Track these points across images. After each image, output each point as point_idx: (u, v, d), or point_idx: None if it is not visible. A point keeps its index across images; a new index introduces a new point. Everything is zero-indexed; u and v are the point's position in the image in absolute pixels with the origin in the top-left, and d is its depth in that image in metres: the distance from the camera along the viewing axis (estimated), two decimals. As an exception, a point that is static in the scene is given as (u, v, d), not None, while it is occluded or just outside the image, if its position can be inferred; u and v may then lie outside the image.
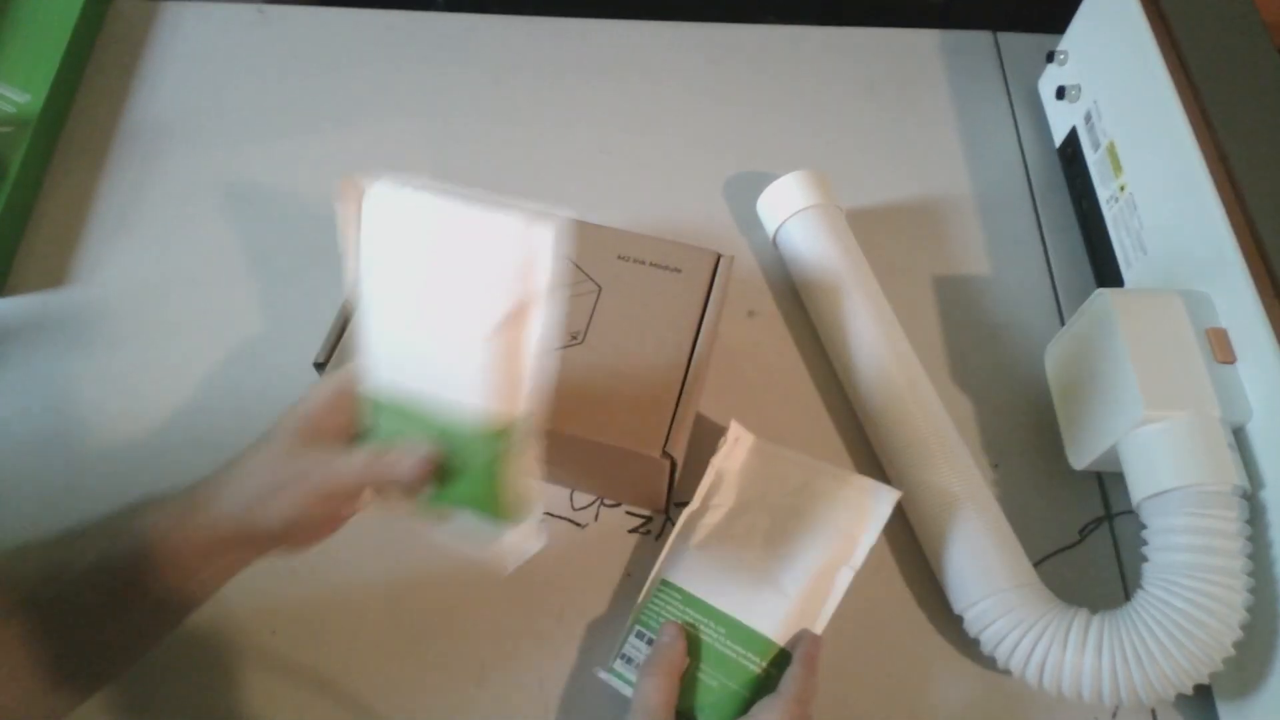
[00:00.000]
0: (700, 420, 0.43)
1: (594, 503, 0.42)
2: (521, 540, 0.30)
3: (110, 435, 0.44)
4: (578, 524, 0.42)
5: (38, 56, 0.53)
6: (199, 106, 0.55)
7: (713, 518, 0.38)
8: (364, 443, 0.30)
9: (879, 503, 0.37)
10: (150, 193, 0.52)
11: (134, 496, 0.30)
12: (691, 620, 0.35)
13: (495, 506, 0.29)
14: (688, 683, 0.34)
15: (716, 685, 0.34)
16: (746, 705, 0.33)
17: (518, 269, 0.26)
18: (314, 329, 0.39)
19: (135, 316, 0.48)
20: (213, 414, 0.45)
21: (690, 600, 0.36)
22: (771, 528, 0.37)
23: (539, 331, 0.27)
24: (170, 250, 0.50)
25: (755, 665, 0.34)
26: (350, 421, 0.30)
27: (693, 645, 0.34)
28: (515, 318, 0.26)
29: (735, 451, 0.40)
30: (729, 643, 0.34)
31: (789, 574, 0.36)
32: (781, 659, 0.34)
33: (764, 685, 0.34)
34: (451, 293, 0.27)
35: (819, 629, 0.35)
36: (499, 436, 0.28)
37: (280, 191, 0.52)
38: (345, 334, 0.39)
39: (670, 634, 0.34)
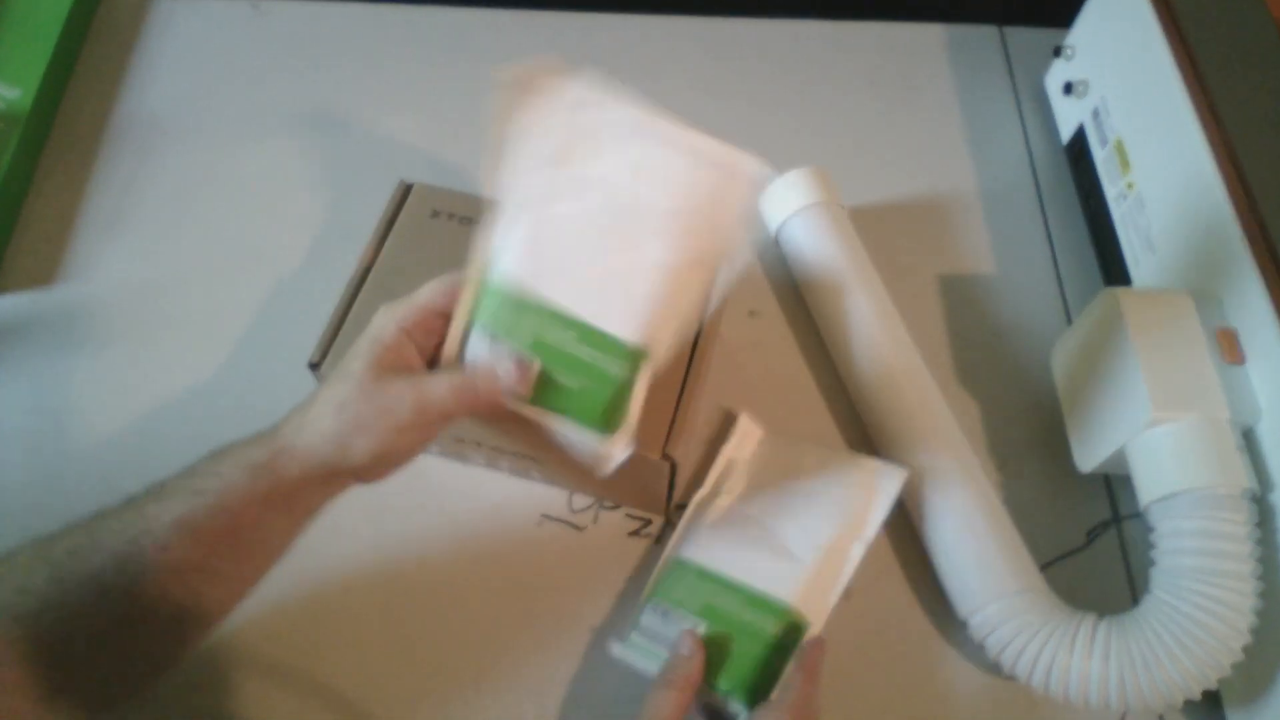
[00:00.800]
0: (702, 419, 0.43)
1: (593, 505, 0.42)
2: (618, 448, 0.30)
3: (100, 434, 0.43)
4: (577, 526, 0.41)
5: (28, 51, 0.52)
6: (192, 102, 0.55)
7: (724, 501, 0.38)
8: (469, 333, 0.29)
9: (888, 481, 0.38)
10: (142, 189, 0.51)
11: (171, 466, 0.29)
12: (708, 593, 0.35)
13: (599, 420, 0.30)
14: (712, 653, 0.34)
15: (735, 651, 0.34)
16: (764, 669, 0.33)
17: (714, 210, 0.26)
18: (308, 327, 0.38)
19: (126, 315, 0.47)
20: (204, 413, 0.44)
21: (704, 574, 0.36)
22: (783, 507, 0.38)
23: (720, 284, 0.27)
24: (162, 248, 0.49)
25: (771, 628, 0.34)
26: (428, 342, 0.30)
27: (715, 616, 0.34)
28: (704, 261, 0.27)
29: (745, 443, 0.40)
30: (746, 609, 0.35)
31: (803, 545, 0.36)
32: (798, 625, 0.34)
33: (781, 648, 0.34)
34: (630, 211, 0.27)
35: (832, 600, 0.35)
36: (635, 359, 0.28)
37: (273, 188, 0.51)
38: (340, 333, 0.38)
39: (689, 646, 0.33)
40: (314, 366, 0.38)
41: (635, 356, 0.28)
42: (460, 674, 0.38)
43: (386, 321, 0.29)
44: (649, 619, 0.35)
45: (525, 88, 0.27)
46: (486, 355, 0.29)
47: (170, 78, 0.56)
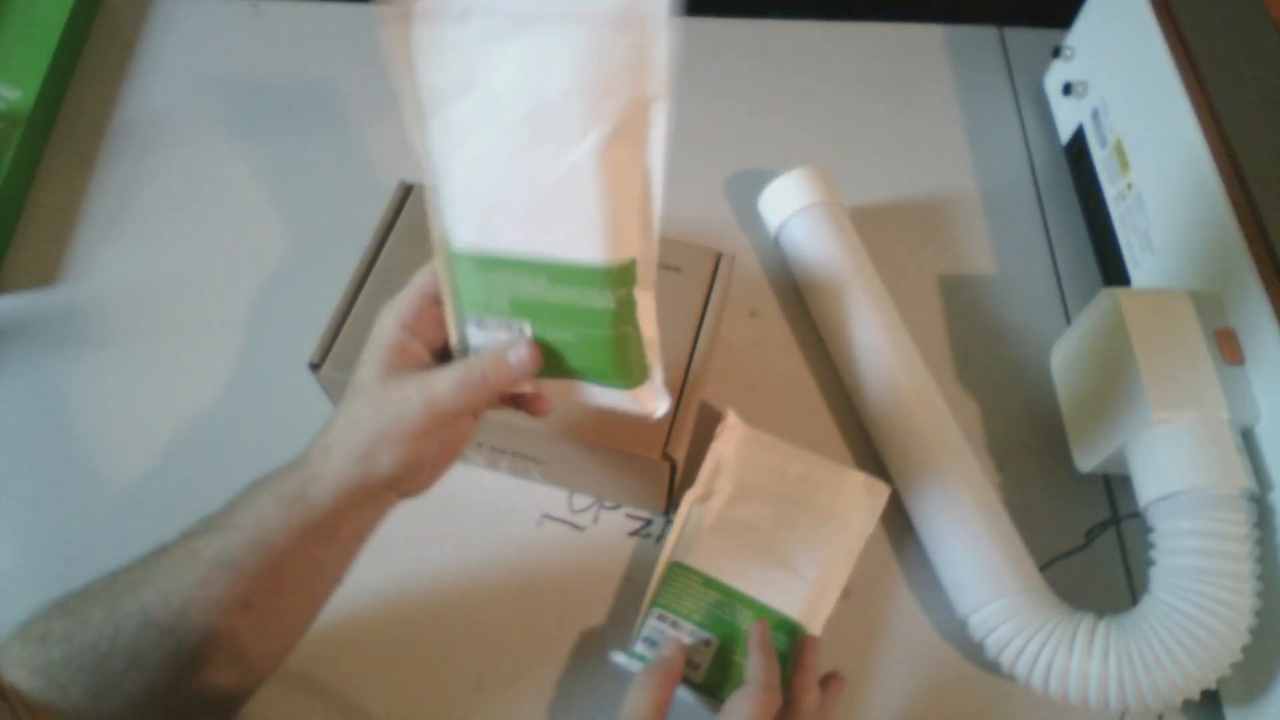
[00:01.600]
0: (701, 420, 0.43)
1: (593, 505, 0.42)
2: (652, 397, 0.27)
3: (101, 434, 0.44)
4: (577, 526, 0.41)
5: (29, 52, 0.52)
6: (192, 102, 0.55)
7: (716, 502, 0.39)
8: (455, 330, 0.27)
9: (873, 496, 0.39)
10: (142, 190, 0.51)
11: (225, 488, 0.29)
12: (715, 602, 0.35)
13: (613, 369, 0.26)
14: (719, 665, 0.34)
15: (745, 665, 0.34)
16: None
17: (626, 66, 0.22)
18: (308, 328, 0.38)
19: (127, 315, 0.47)
20: (205, 413, 0.44)
21: (711, 583, 0.36)
22: (777, 516, 0.38)
23: (656, 144, 0.23)
24: (162, 248, 0.49)
25: (783, 645, 0.35)
26: (434, 333, 0.28)
27: (721, 627, 0.35)
28: (626, 129, 0.22)
29: (729, 439, 0.40)
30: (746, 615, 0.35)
31: (803, 560, 0.36)
32: (801, 637, 0.35)
33: (786, 661, 0.34)
34: (543, 113, 0.22)
35: (827, 609, 0.36)
36: (614, 282, 0.24)
37: (273, 189, 0.51)
38: (341, 333, 0.38)
39: (672, 649, 0.33)
40: (314, 367, 0.38)
41: (614, 276, 0.25)
42: (460, 673, 0.38)
43: (387, 322, 0.28)
44: (654, 628, 0.35)
45: (407, 16, 0.23)
46: (482, 337, 0.27)
47: (170, 78, 0.56)
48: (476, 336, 0.27)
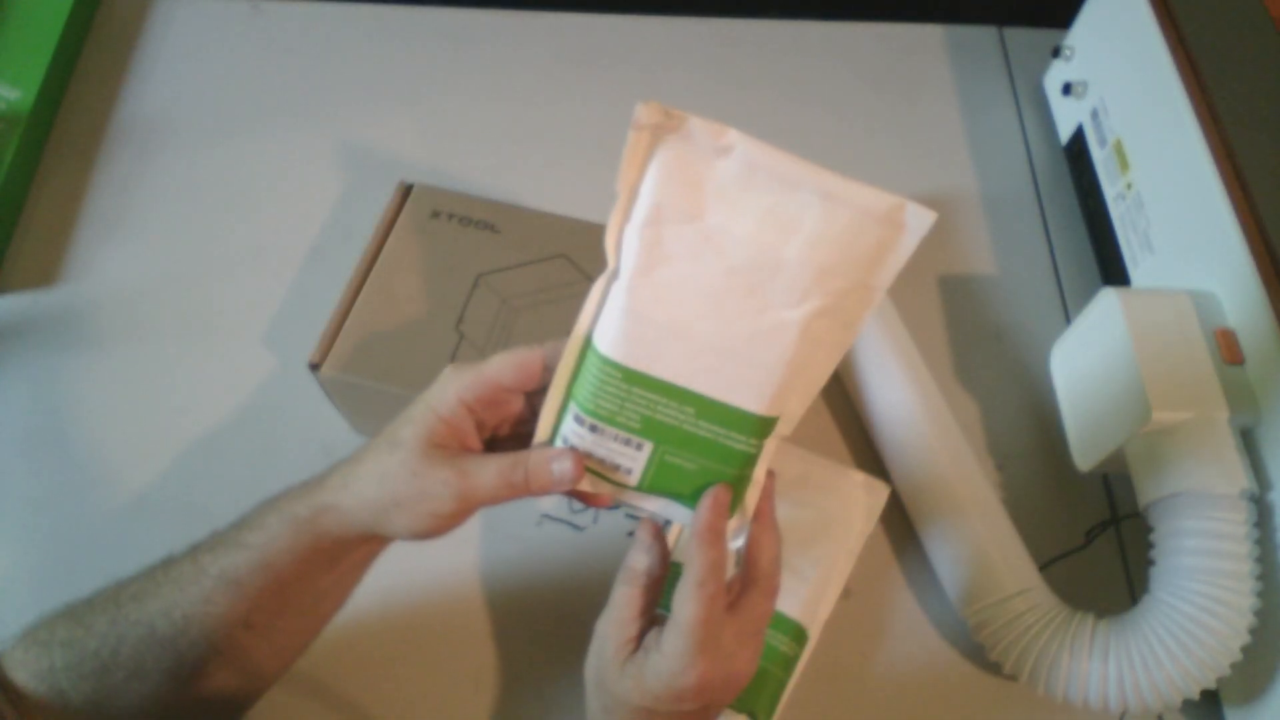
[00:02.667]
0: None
1: (593, 505, 0.42)
2: (734, 531, 0.27)
3: (101, 435, 0.44)
4: (577, 526, 0.41)
5: (28, 52, 0.52)
6: (192, 102, 0.55)
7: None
8: (565, 414, 0.26)
9: (872, 495, 0.39)
10: (142, 190, 0.51)
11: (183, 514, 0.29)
12: None
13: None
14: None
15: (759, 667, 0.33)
16: (779, 687, 0.34)
17: (866, 256, 0.23)
18: (309, 328, 0.38)
19: (127, 316, 0.47)
20: (205, 414, 0.44)
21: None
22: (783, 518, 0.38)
23: (857, 327, 0.25)
24: (163, 248, 0.49)
25: (784, 645, 0.35)
26: (494, 417, 0.27)
27: None
28: (838, 306, 0.24)
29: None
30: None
31: (802, 560, 0.36)
32: (803, 638, 0.35)
33: (789, 663, 0.35)
34: (768, 269, 0.24)
35: (826, 610, 0.36)
36: (761, 431, 0.25)
37: (274, 189, 0.52)
38: (341, 333, 0.38)
39: (645, 536, 0.29)
40: (314, 367, 0.38)
41: (764, 426, 0.26)
42: (460, 672, 0.38)
43: (446, 391, 0.26)
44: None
45: (663, 129, 0.23)
46: (586, 441, 0.26)
47: (170, 78, 0.56)
48: (576, 437, 0.26)
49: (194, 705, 0.28)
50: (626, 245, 0.25)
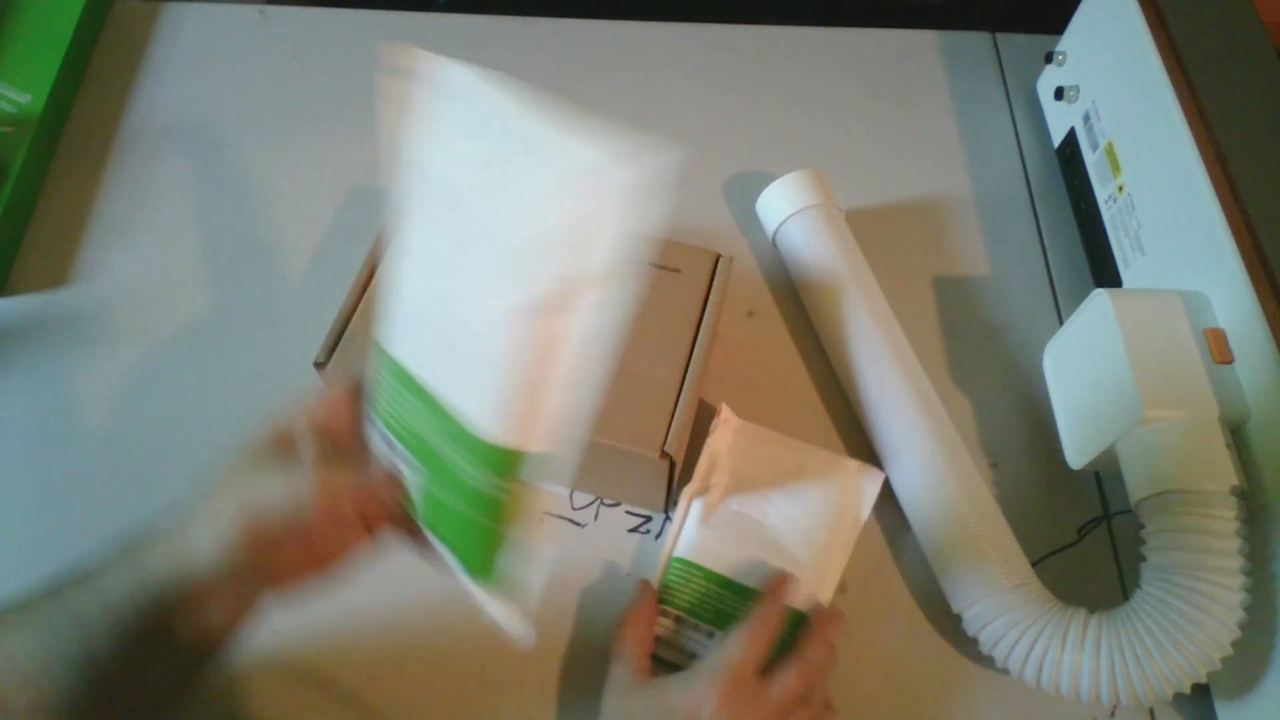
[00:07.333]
0: (699, 418, 0.43)
1: (593, 502, 0.42)
2: (505, 617, 0.23)
3: (110, 435, 0.44)
4: (577, 524, 0.42)
5: (39, 57, 0.53)
6: (200, 107, 0.55)
7: (714, 496, 0.39)
8: (367, 427, 0.24)
9: (869, 484, 0.39)
10: (151, 193, 0.52)
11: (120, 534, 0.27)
12: (717, 595, 0.36)
13: (475, 560, 0.22)
14: None
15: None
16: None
17: (586, 221, 0.17)
18: (314, 329, 0.39)
19: (136, 317, 0.48)
20: (213, 414, 0.45)
21: (712, 576, 0.37)
22: (773, 507, 0.38)
23: (585, 337, 0.19)
24: (171, 251, 0.50)
25: (784, 633, 0.35)
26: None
27: (724, 620, 0.35)
28: (552, 306, 0.18)
29: (724, 433, 0.41)
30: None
31: (800, 547, 0.37)
32: (802, 622, 0.36)
33: (786, 648, 0.35)
34: (480, 242, 0.19)
35: (826, 601, 0.37)
36: (501, 467, 0.20)
37: (281, 192, 0.52)
38: (345, 334, 0.39)
39: (642, 592, 0.35)
40: (319, 366, 0.38)
41: (507, 462, 0.20)
42: (462, 670, 0.38)
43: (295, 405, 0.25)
44: (660, 625, 0.36)
45: (411, 75, 0.20)
46: (383, 451, 0.22)
47: (179, 83, 0.56)
48: (375, 442, 0.23)
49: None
50: (404, 199, 0.21)
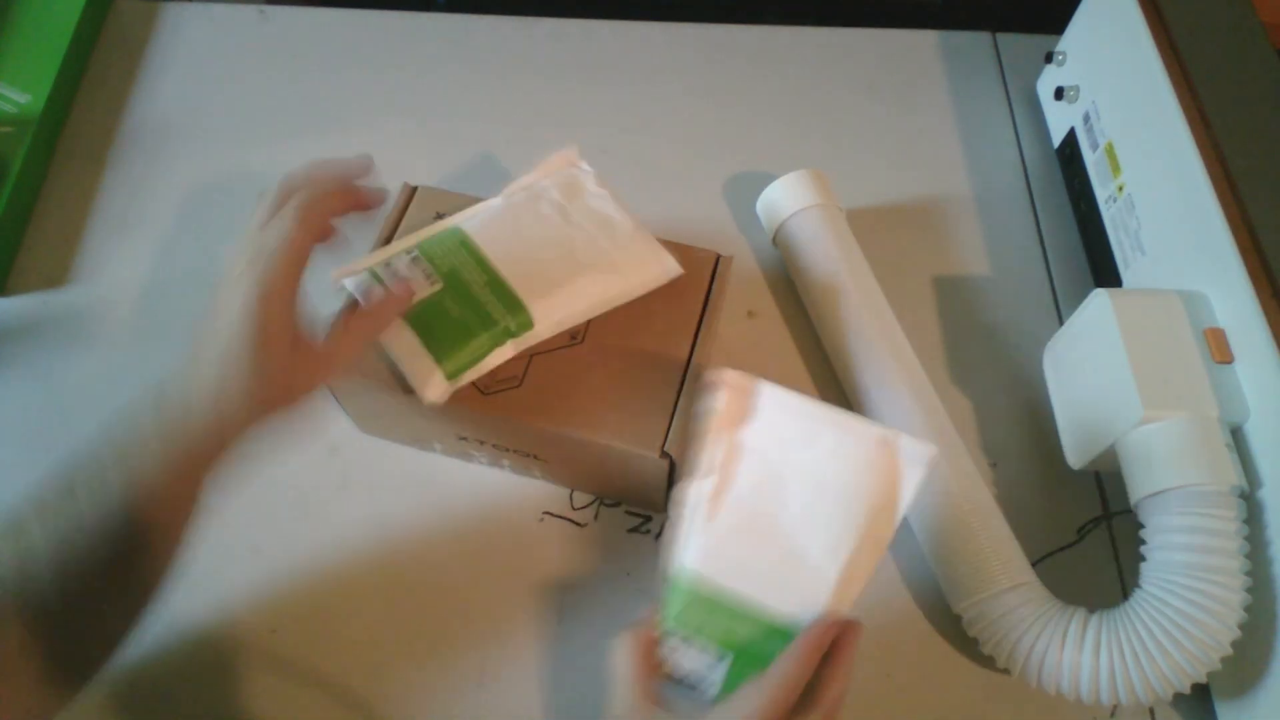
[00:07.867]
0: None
1: (593, 502, 0.43)
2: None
3: (111, 435, 0.44)
4: (577, 523, 0.42)
5: (39, 57, 0.53)
6: (200, 107, 0.55)
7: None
8: (663, 629, 0.32)
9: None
10: (151, 193, 0.52)
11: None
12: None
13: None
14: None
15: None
16: (477, 346, 0.35)
17: (886, 493, 0.30)
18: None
19: (136, 317, 0.48)
20: (213, 413, 0.45)
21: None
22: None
23: (874, 557, 0.31)
24: (171, 250, 0.50)
25: (498, 315, 0.34)
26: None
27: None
28: (869, 543, 0.30)
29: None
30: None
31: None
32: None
33: (500, 334, 0.35)
34: (812, 502, 0.31)
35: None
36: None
37: (281, 192, 0.52)
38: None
39: (647, 614, 0.32)
40: (320, 365, 0.38)
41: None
42: (463, 669, 0.38)
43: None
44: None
45: (734, 389, 0.32)
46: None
47: (178, 83, 0.56)
48: (686, 621, 0.33)
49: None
50: (708, 482, 0.33)
